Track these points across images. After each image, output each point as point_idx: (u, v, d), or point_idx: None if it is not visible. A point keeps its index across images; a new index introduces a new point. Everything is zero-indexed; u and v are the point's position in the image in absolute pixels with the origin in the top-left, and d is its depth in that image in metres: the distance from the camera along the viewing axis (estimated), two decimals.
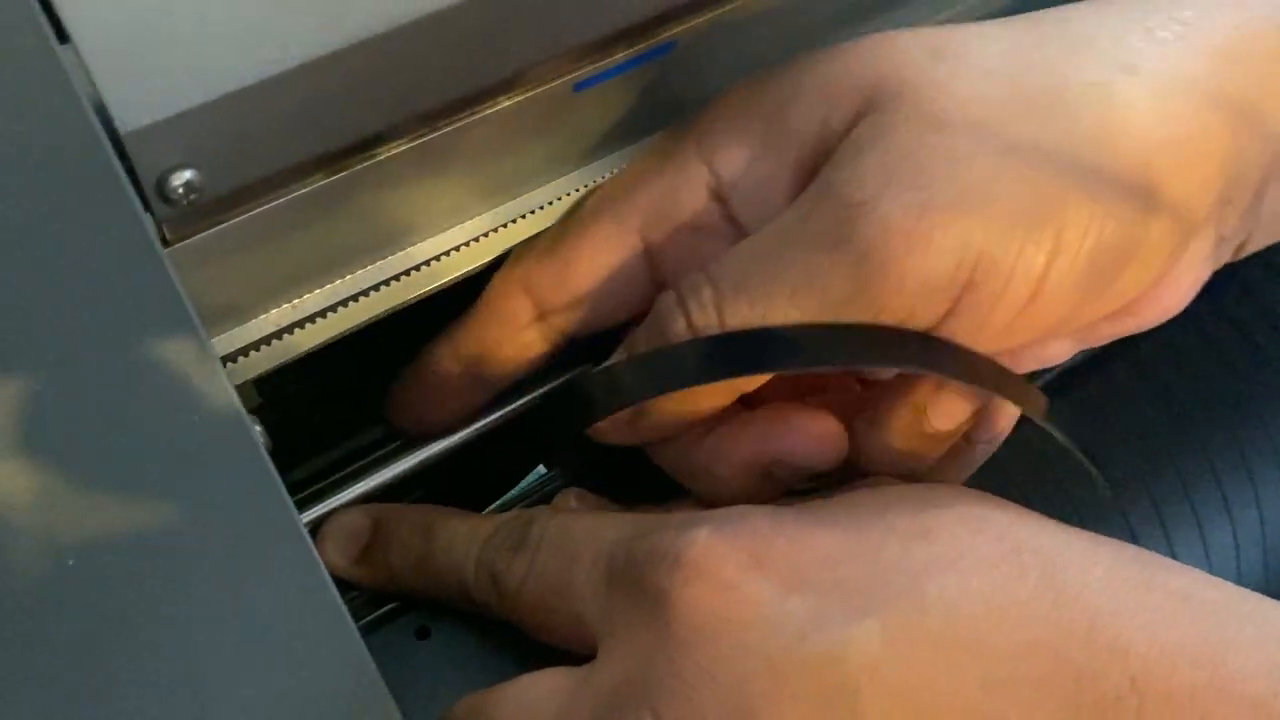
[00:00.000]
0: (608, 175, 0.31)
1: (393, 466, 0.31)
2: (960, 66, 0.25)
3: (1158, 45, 0.26)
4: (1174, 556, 0.36)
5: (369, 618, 0.30)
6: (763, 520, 0.24)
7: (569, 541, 0.26)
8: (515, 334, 0.29)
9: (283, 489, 0.21)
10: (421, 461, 0.31)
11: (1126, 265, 0.25)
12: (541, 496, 0.32)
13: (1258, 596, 0.23)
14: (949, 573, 0.22)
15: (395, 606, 0.30)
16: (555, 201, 0.31)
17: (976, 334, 0.25)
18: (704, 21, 0.28)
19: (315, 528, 0.30)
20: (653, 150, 0.29)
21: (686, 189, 0.27)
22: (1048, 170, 0.24)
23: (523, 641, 0.28)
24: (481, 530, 0.28)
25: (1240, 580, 0.37)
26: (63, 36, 0.20)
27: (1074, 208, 0.24)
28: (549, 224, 0.30)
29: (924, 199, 0.23)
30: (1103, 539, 0.24)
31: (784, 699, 0.22)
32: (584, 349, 0.30)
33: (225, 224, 0.24)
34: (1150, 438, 0.37)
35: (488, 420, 0.31)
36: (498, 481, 0.33)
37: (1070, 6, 0.27)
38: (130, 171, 0.20)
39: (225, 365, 0.27)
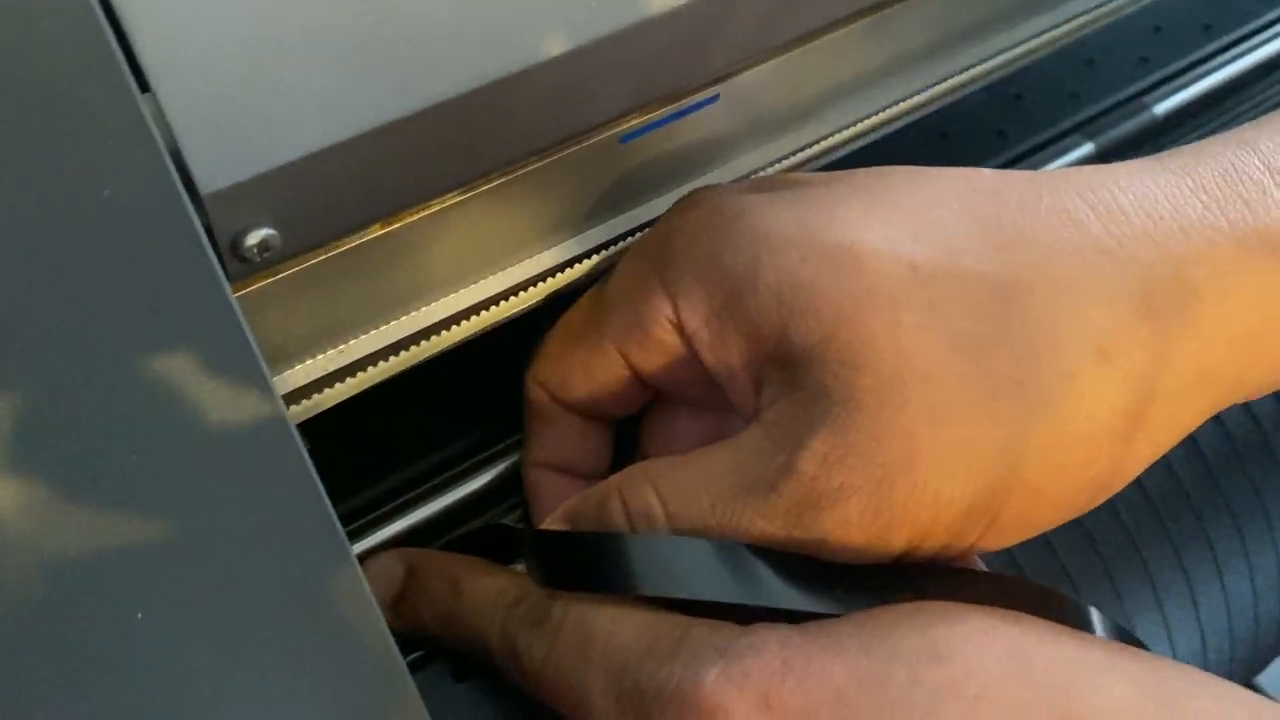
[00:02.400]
0: (647, 220, 0.31)
1: (429, 505, 0.32)
2: (928, 329, 0.24)
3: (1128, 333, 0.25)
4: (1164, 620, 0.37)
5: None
6: (774, 655, 0.23)
7: (586, 639, 0.25)
8: (558, 432, 0.31)
9: (337, 522, 0.21)
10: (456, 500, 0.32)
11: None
12: None
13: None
14: (957, 703, 0.22)
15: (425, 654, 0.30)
16: (602, 250, 0.31)
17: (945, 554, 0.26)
18: (747, 76, 0.29)
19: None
20: (623, 272, 0.29)
21: (651, 317, 0.27)
22: (994, 469, 0.24)
23: None
24: (508, 594, 0.28)
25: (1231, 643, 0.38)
26: (144, 86, 0.20)
27: (1019, 501, 0.24)
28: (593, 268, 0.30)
29: (882, 496, 0.23)
30: (1120, 649, 0.23)
31: None
32: None
33: (283, 274, 0.24)
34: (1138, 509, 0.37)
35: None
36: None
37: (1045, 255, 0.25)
38: (207, 229, 0.20)
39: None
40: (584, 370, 0.29)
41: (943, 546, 0.25)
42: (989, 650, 0.22)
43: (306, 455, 0.21)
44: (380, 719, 0.21)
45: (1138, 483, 0.37)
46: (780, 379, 0.25)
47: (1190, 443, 0.38)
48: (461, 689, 0.30)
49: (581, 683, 0.25)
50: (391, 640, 0.21)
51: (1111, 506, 0.36)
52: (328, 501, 0.21)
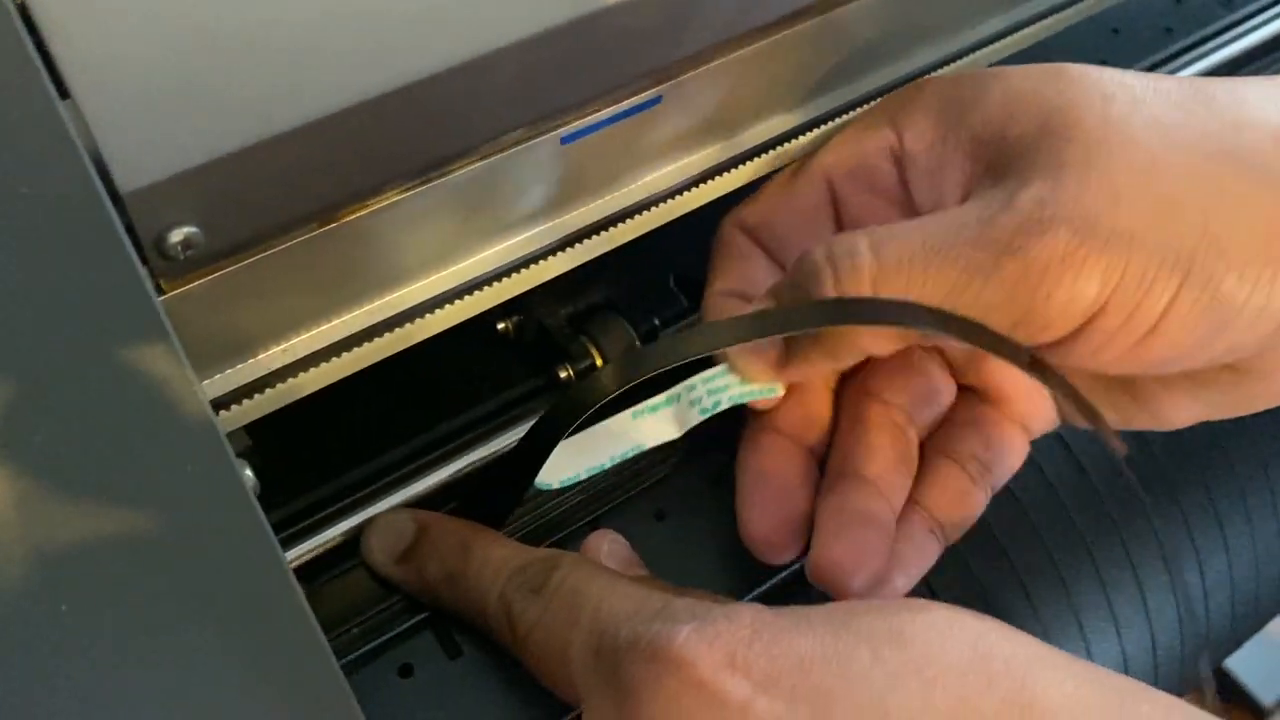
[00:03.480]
0: (597, 218, 0.32)
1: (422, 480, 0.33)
2: (1132, 116, 0.28)
3: None
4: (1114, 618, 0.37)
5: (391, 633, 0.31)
6: (745, 624, 0.24)
7: (578, 602, 0.27)
8: (746, 266, 0.33)
9: (268, 528, 0.21)
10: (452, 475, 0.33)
11: (1240, 323, 0.27)
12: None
13: None
14: (914, 682, 0.23)
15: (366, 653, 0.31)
16: (548, 256, 0.31)
17: (1092, 357, 0.28)
18: (688, 77, 0.29)
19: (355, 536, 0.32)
20: (854, 119, 0.33)
21: (874, 147, 0.32)
22: (1189, 221, 0.26)
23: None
24: (513, 562, 0.29)
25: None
26: (64, 93, 0.20)
27: (1203, 259, 0.26)
28: (547, 277, 0.31)
29: (1087, 230, 0.26)
30: (1075, 658, 0.24)
31: None
32: None
33: (218, 274, 0.25)
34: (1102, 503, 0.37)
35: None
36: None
37: (1244, 80, 0.30)
38: (129, 228, 0.20)
39: (218, 412, 0.27)
40: (789, 203, 0.33)
41: (1126, 319, 0.27)
42: (950, 639, 0.23)
43: (231, 453, 0.22)
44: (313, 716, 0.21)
45: (1089, 481, 0.37)
46: (989, 178, 0.29)
47: (1139, 439, 0.38)
48: (404, 685, 0.30)
49: (565, 640, 0.26)
50: (325, 643, 0.22)
51: (1062, 505, 0.37)
52: (254, 500, 0.22)
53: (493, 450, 0.34)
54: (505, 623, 0.28)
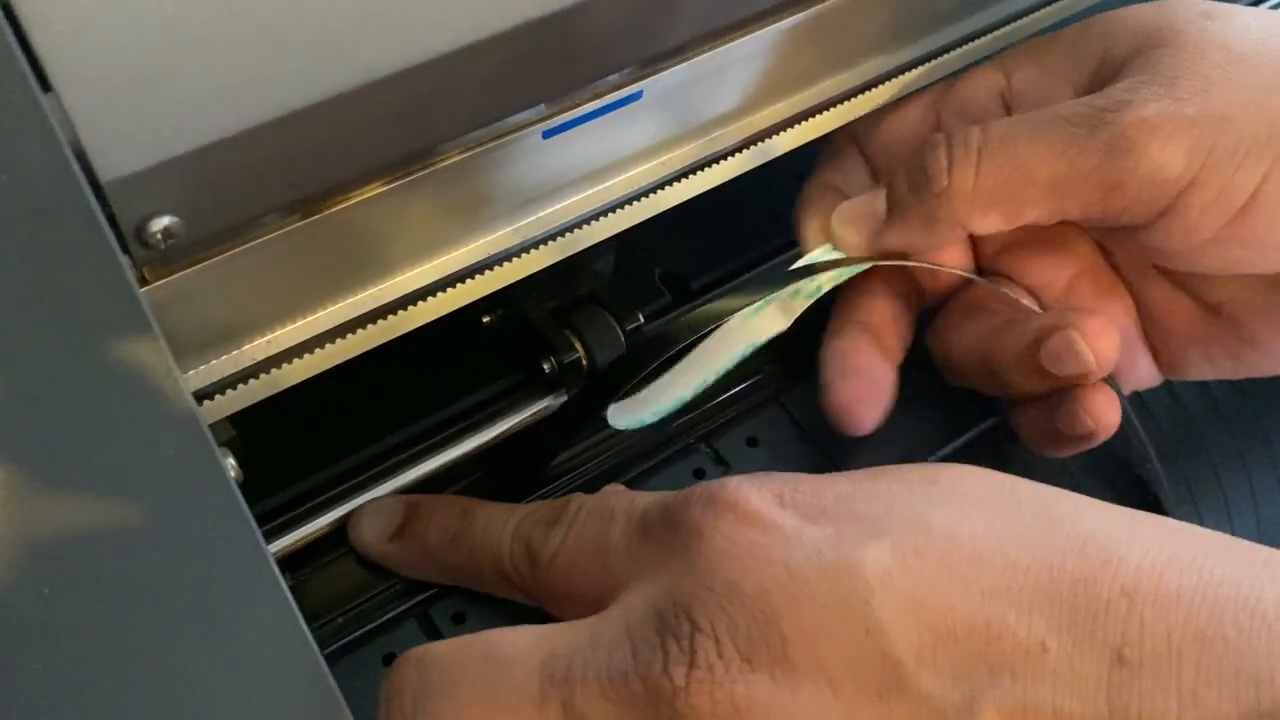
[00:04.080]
0: (581, 213, 0.32)
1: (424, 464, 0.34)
2: (1227, 26, 0.31)
3: None
4: None
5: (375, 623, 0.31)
6: (785, 477, 0.27)
7: (605, 509, 0.29)
8: (846, 166, 0.37)
9: (250, 518, 0.22)
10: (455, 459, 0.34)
11: None
12: None
13: (1246, 542, 0.24)
14: (950, 505, 0.25)
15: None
16: (533, 249, 0.32)
17: (1187, 236, 0.30)
18: (667, 74, 0.29)
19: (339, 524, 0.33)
20: (967, 71, 0.36)
21: (984, 88, 0.35)
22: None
23: None
24: (519, 510, 0.31)
25: None
26: (46, 85, 0.21)
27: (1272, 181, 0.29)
28: (532, 270, 0.32)
29: (1174, 106, 0.29)
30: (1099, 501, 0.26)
31: (803, 602, 0.24)
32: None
33: (201, 264, 0.25)
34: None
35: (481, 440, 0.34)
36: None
37: None
38: (111, 217, 0.21)
39: (202, 402, 0.28)
40: (897, 122, 0.36)
41: (1217, 194, 0.29)
42: (981, 481, 0.26)
43: (213, 443, 0.22)
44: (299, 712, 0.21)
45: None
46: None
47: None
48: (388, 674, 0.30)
49: (599, 541, 0.28)
50: (307, 631, 0.22)
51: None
52: (236, 490, 0.22)
53: (478, 443, 0.35)
54: (524, 558, 0.29)
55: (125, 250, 0.22)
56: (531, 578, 0.29)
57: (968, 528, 0.24)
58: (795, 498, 0.26)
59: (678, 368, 0.34)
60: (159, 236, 0.21)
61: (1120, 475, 0.38)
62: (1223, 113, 0.29)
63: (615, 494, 0.30)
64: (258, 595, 0.22)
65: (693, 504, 0.26)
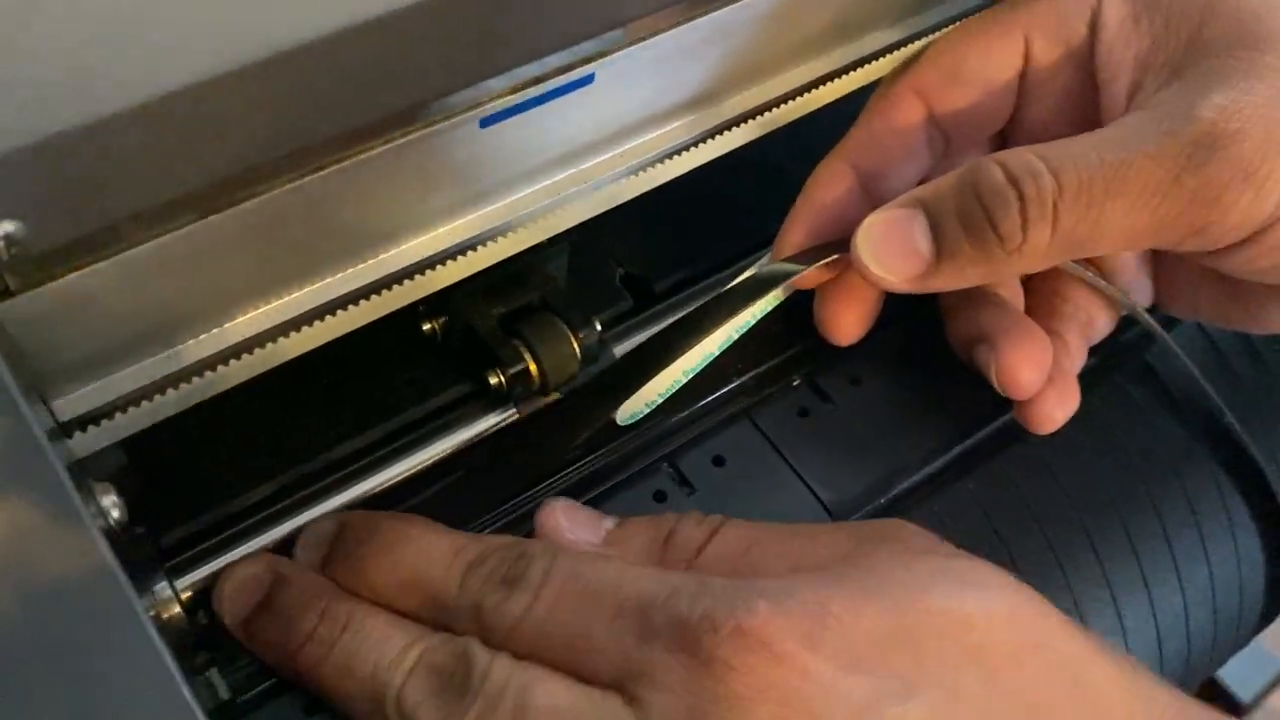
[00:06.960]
0: (529, 208, 0.29)
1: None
2: None
3: None
4: (1120, 619, 0.35)
5: None
6: (811, 597, 0.25)
7: (584, 590, 0.26)
8: (905, 135, 0.32)
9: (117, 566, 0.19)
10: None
11: None
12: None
13: None
14: (983, 666, 0.24)
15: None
16: (475, 248, 0.28)
17: (1250, 263, 0.28)
18: (621, 55, 0.26)
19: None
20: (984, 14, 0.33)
21: (1075, 11, 0.31)
22: None
23: None
24: (468, 551, 0.27)
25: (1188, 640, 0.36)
26: None
27: None
28: (473, 270, 0.29)
29: (1272, 144, 0.26)
30: (1124, 656, 0.26)
31: None
32: None
33: (73, 275, 0.21)
34: (1097, 489, 0.35)
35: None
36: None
37: None
38: None
39: (86, 429, 0.24)
40: (982, 53, 0.32)
41: None
42: (1014, 626, 0.25)
43: (64, 471, 0.19)
44: None
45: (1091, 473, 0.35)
46: (1169, 76, 0.29)
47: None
48: None
49: (583, 630, 0.25)
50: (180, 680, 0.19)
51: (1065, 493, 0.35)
52: (98, 533, 0.19)
53: (415, 464, 0.31)
54: (472, 619, 0.26)
55: None
56: (476, 632, 0.26)
57: (999, 696, 0.24)
58: (826, 637, 0.24)
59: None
60: (0, 245, 0.18)
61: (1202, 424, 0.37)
62: None
63: (590, 567, 0.26)
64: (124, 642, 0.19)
65: (718, 628, 0.24)
